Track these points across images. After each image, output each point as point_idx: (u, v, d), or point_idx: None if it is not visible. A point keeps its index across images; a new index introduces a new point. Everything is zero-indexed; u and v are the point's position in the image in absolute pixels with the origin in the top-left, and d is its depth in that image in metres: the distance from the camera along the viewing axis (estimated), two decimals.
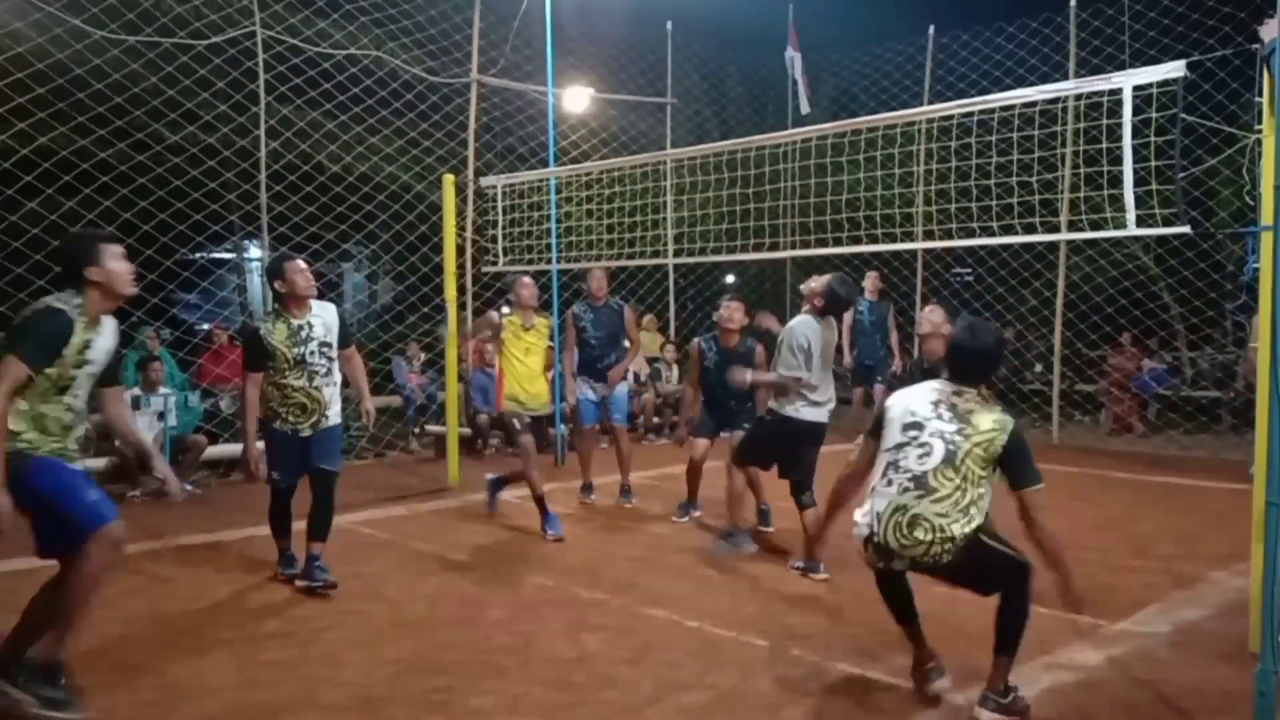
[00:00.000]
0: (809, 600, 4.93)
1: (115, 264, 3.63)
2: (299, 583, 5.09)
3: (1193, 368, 12.90)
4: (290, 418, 5.06)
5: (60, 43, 8.25)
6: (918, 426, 3.49)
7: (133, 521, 6.68)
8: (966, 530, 3.36)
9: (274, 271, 5.12)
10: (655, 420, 11.46)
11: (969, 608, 4.35)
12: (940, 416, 3.48)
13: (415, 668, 3.98)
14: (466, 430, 9.79)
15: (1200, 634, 4.38)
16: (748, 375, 5.57)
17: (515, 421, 6.53)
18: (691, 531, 6.49)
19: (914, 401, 3.57)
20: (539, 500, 6.40)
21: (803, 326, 5.36)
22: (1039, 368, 12.66)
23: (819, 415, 5.42)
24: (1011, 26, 11.35)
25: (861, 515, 3.56)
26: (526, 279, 6.77)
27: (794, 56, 13.30)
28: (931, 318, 5.36)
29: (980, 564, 3.41)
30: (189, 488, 7.82)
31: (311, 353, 5.04)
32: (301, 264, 5.10)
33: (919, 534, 3.37)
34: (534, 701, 3.64)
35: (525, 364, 6.57)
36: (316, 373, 5.06)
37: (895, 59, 12.75)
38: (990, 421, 3.43)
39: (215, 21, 9.03)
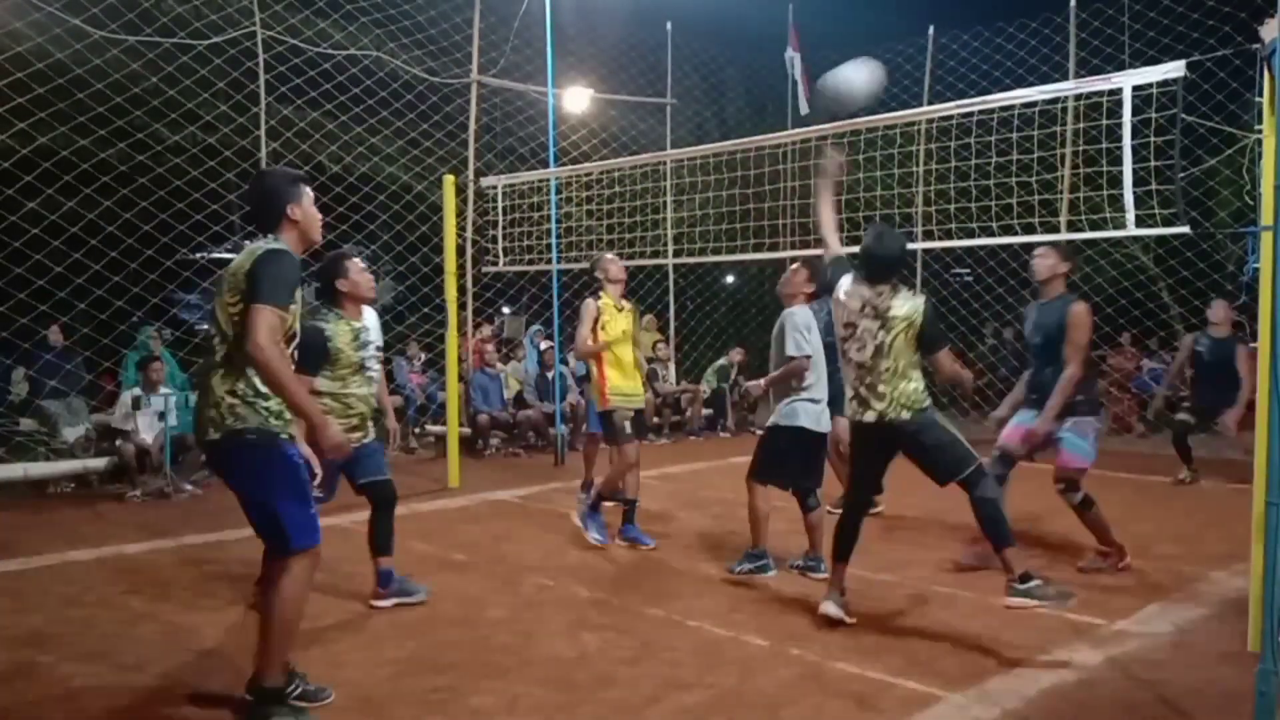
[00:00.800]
0: (809, 600, 4.92)
1: (312, 207, 3.47)
2: (383, 603, 4.75)
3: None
4: (350, 432, 4.53)
5: (60, 43, 8.26)
6: (853, 326, 4.34)
7: (133, 521, 6.73)
8: (915, 386, 4.23)
9: (334, 270, 4.70)
10: (655, 420, 11.46)
11: (961, 610, 4.36)
12: (866, 316, 4.30)
13: (415, 668, 3.98)
14: (466, 430, 9.79)
15: (1200, 634, 4.38)
16: (760, 383, 5.41)
17: (626, 424, 6.00)
18: (691, 531, 6.49)
19: (850, 304, 4.37)
20: (631, 502, 6.10)
21: (804, 312, 5.22)
22: None
23: (828, 423, 5.31)
24: (1011, 26, 11.36)
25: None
26: (610, 255, 6.30)
27: (794, 57, 13.31)
28: (1044, 262, 5.22)
29: (935, 443, 4.22)
30: (189, 487, 7.83)
31: (369, 357, 4.74)
32: (361, 262, 4.80)
33: (881, 388, 4.25)
34: (534, 701, 3.64)
35: (624, 350, 6.02)
36: (373, 379, 4.77)
37: (895, 59, 12.73)
38: (906, 309, 4.23)
39: (215, 21, 9.04)
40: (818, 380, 5.20)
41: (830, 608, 4.41)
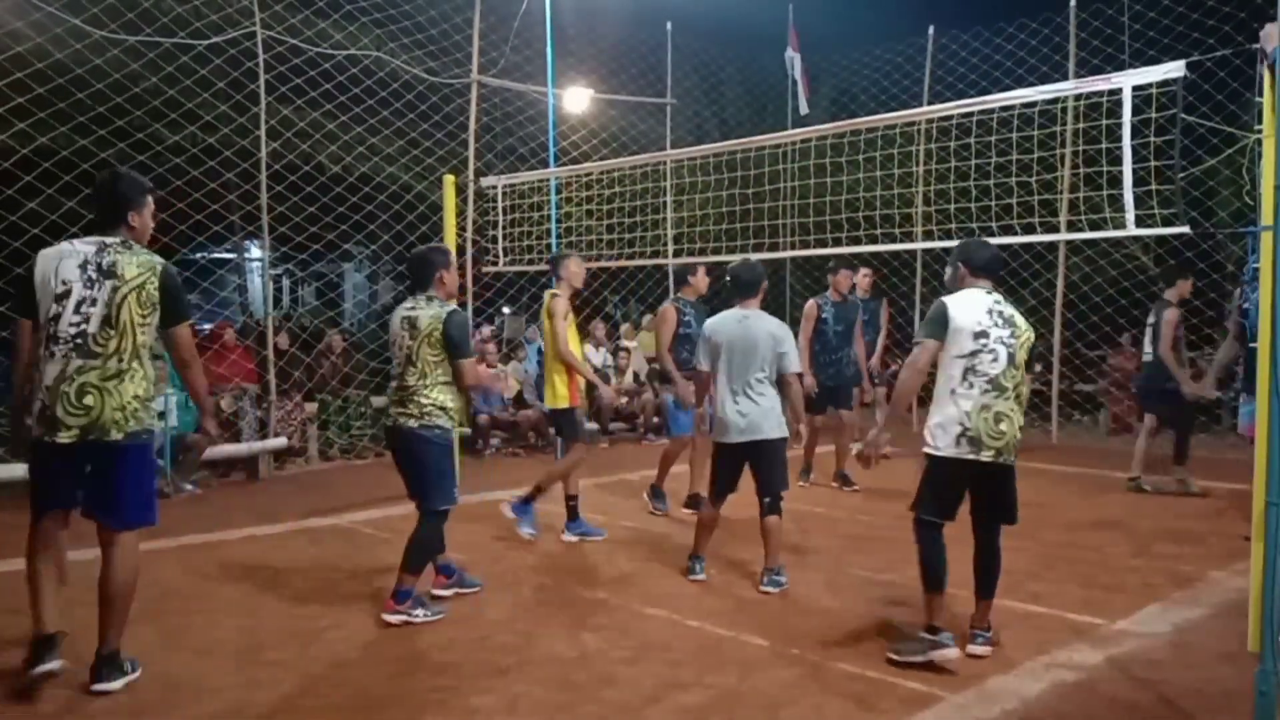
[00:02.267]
0: (809, 600, 4.93)
1: (150, 219, 3.87)
2: (443, 592, 4.94)
3: (1192, 368, 12.88)
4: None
5: (60, 43, 8.25)
6: (984, 335, 3.99)
7: None
8: (1021, 422, 4.03)
9: (442, 262, 4.89)
10: (655, 420, 11.45)
11: (961, 610, 4.37)
12: (997, 324, 4.01)
13: (415, 668, 3.98)
14: (466, 430, 9.79)
15: (1200, 634, 4.38)
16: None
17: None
18: (691, 532, 6.48)
19: (977, 312, 4.03)
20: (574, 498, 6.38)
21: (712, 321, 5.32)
22: (1039, 368, 12.65)
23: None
24: (1011, 26, 11.35)
25: (938, 423, 4.01)
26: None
27: (794, 57, 13.30)
28: None
29: (1012, 489, 4.08)
30: (189, 487, 7.83)
31: None
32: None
33: (1004, 426, 3.95)
34: (534, 701, 3.64)
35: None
36: None
37: (895, 59, 12.74)
38: (1024, 323, 4.09)
39: (215, 21, 9.04)
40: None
41: (947, 652, 3.93)
